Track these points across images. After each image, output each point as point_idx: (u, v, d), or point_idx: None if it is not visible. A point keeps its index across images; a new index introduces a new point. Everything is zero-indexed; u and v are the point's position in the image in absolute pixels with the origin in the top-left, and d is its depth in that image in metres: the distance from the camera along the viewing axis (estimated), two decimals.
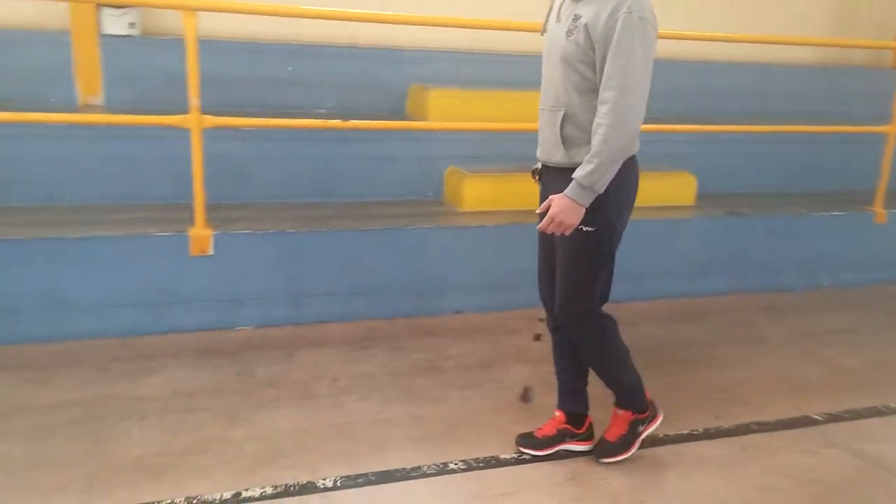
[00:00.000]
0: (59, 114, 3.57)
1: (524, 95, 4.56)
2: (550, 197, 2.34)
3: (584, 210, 2.30)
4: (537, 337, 2.95)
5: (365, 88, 4.75)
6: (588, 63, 2.25)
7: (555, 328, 2.67)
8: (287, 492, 2.39)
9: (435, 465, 2.59)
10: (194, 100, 3.28)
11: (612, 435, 2.68)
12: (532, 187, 4.25)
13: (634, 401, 2.67)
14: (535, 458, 2.67)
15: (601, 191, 2.28)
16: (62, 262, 3.26)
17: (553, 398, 2.76)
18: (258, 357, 3.31)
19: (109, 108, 4.25)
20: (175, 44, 4.38)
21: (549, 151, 2.43)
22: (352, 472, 2.51)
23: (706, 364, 3.57)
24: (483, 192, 4.23)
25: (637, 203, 2.48)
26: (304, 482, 2.44)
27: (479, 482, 2.52)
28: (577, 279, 2.46)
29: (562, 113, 2.35)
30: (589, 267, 2.44)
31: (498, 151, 4.45)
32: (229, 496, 2.34)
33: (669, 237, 4.36)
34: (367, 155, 4.24)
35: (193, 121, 3.29)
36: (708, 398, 3.22)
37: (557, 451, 2.70)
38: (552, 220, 2.32)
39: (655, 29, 2.25)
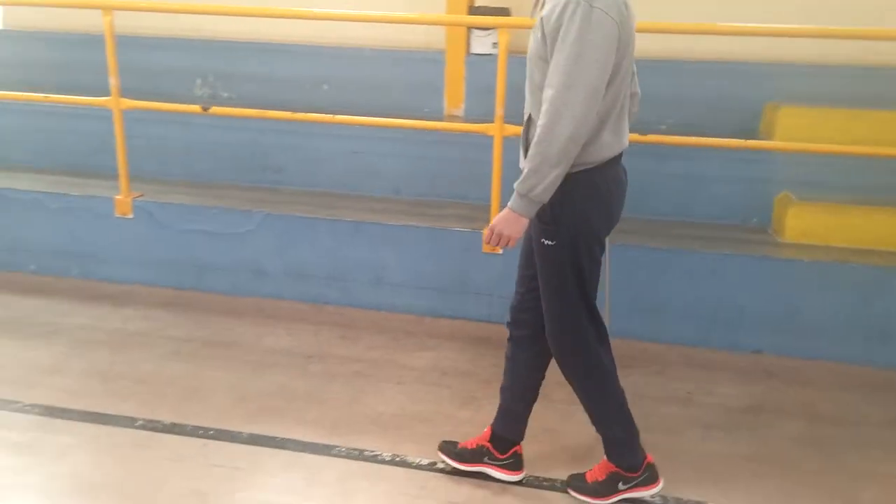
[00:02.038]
0: (391, 119, 4.03)
1: (887, 116, 3.92)
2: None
3: (524, 221, 2.13)
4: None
5: (715, 106, 4.54)
6: (545, 59, 2.05)
7: (509, 338, 2.50)
8: (470, 474, 2.57)
9: None
10: (499, 109, 3.62)
11: (591, 476, 2.47)
12: (870, 223, 3.65)
13: (620, 455, 2.42)
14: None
15: (542, 199, 2.07)
16: (385, 244, 3.90)
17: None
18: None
19: (467, 118, 4.85)
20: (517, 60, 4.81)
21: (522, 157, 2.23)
22: (540, 474, 2.59)
23: None
24: (810, 223, 3.74)
25: None
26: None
27: None
28: (551, 300, 2.27)
29: (527, 116, 2.19)
30: (556, 285, 2.24)
31: (845, 180, 3.89)
32: (425, 463, 2.63)
33: None
34: (685, 173, 4.10)
35: (496, 129, 3.64)
36: None
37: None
38: (492, 231, 2.17)
39: (614, 20, 1.97)
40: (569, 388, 2.46)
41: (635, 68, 2.30)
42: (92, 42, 4.21)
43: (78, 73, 4.78)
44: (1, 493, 2.37)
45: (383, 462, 2.63)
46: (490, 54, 4.85)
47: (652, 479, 2.43)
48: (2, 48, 5.60)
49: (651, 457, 2.45)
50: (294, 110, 4.02)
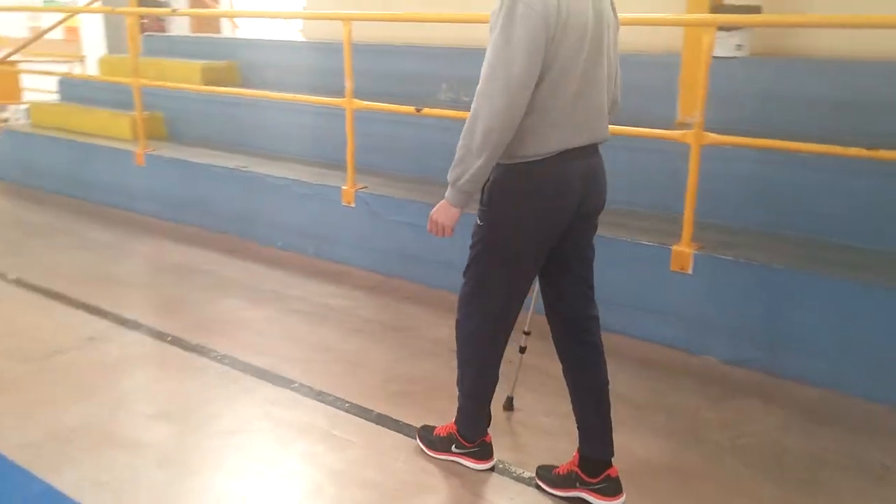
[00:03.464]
0: None
1: None
2: None
3: (456, 211, 2.18)
4: (521, 349, 2.95)
5: None
6: None
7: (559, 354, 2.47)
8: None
9: None
10: (698, 116, 3.33)
11: (437, 431, 2.63)
12: None
13: (462, 423, 2.54)
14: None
15: (470, 189, 2.12)
16: None
17: None
18: (685, 385, 3.19)
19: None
20: (779, 64, 4.32)
21: None
22: None
23: None
24: None
25: None
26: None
27: None
28: (469, 271, 2.35)
29: None
30: (476, 257, 2.30)
31: None
32: (526, 476, 2.54)
33: None
34: None
35: (693, 137, 3.34)
36: None
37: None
38: (430, 219, 2.24)
39: (538, 12, 1.97)
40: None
41: (617, 71, 2.31)
42: (360, 51, 4.64)
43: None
44: (178, 416, 2.81)
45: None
46: (733, 57, 4.44)
47: (483, 455, 2.54)
48: (308, 57, 6.53)
49: (490, 437, 2.56)
50: None
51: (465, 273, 2.39)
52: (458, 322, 2.48)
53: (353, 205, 4.51)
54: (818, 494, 2.49)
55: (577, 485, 2.39)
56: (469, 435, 2.54)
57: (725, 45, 4.44)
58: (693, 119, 4.58)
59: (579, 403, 2.43)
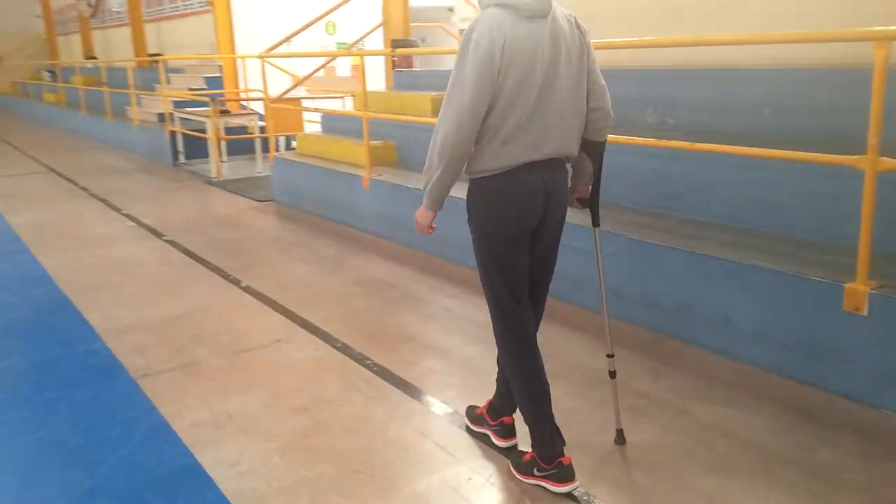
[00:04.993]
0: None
1: None
2: None
3: (430, 213, 2.56)
4: (612, 374, 2.90)
5: None
6: None
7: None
8: None
9: None
10: (872, 139, 2.90)
11: (525, 456, 2.68)
12: None
13: (532, 441, 2.63)
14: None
15: (436, 195, 2.48)
16: (733, 284, 3.50)
17: None
18: (842, 440, 2.80)
19: None
20: None
21: None
22: None
23: None
24: None
25: None
26: None
27: None
28: (482, 284, 2.65)
29: None
30: (481, 272, 2.62)
31: None
32: None
33: None
34: None
35: (868, 162, 2.92)
36: None
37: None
38: (415, 220, 2.59)
39: (484, 48, 2.27)
40: None
41: (600, 84, 2.55)
42: None
43: None
44: (313, 413, 3.16)
45: (563, 496, 2.55)
46: None
47: (561, 478, 2.54)
48: None
49: (568, 459, 2.55)
50: (732, 136, 3.94)
51: (484, 292, 2.68)
52: (498, 344, 2.74)
53: None
54: None
55: (483, 424, 2.92)
56: (544, 455, 2.59)
57: None
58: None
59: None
